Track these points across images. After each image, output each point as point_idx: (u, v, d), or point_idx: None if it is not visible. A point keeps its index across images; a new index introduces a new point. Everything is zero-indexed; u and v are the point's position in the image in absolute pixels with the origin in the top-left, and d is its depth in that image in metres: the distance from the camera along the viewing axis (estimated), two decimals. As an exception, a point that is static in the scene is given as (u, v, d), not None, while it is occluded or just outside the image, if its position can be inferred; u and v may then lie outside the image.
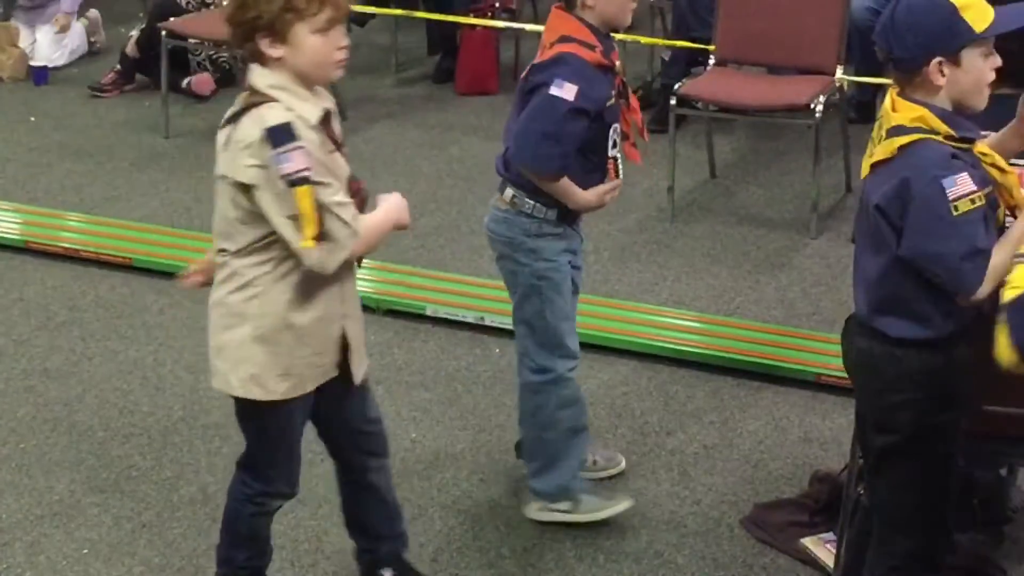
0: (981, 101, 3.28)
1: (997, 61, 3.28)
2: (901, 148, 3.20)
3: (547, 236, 4.13)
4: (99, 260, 6.14)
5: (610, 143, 4.11)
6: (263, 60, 3.38)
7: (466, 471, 4.65)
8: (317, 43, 3.36)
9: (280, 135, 3.29)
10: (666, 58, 7.68)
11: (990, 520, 4.18)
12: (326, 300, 3.59)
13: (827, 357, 5.11)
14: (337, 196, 3.39)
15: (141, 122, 7.85)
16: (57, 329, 5.61)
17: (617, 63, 4.09)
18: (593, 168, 4.11)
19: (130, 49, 8.27)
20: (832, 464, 4.51)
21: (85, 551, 4.31)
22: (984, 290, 3.18)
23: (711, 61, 6.81)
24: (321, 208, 3.33)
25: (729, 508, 4.44)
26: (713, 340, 5.40)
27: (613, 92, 4.06)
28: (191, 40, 7.81)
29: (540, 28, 8.14)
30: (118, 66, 8.35)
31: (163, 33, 7.67)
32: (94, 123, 7.91)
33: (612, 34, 4.11)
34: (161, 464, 4.73)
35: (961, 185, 3.14)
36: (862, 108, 7.27)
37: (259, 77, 3.38)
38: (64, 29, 8.77)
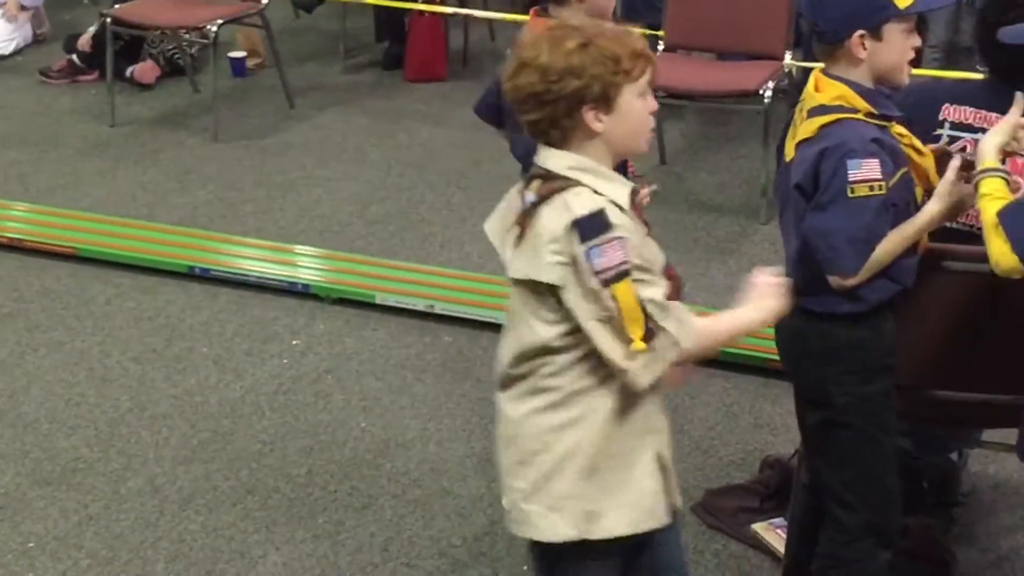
0: (902, 77, 3.32)
1: (917, 41, 3.31)
2: (822, 127, 3.22)
3: None
4: (44, 250, 6.07)
5: None
6: (569, 137, 2.86)
7: (416, 460, 4.63)
8: (639, 108, 2.86)
9: (592, 226, 2.79)
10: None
11: (941, 504, 4.19)
12: (652, 412, 3.03)
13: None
14: (658, 294, 2.85)
15: (86, 111, 7.78)
16: (1, 320, 5.54)
17: None
18: None
19: (83, 43, 8.18)
20: (782, 450, 4.51)
21: (31, 544, 4.26)
22: (859, 278, 3.21)
23: (660, 47, 6.80)
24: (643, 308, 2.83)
25: (680, 495, 4.43)
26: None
27: None
28: (137, 29, 7.73)
29: (489, 14, 8.20)
30: (72, 56, 8.26)
31: (107, 20, 7.60)
32: (39, 111, 7.83)
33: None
34: (108, 456, 4.68)
35: (866, 170, 3.16)
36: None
37: (556, 159, 2.87)
38: (13, 18, 8.68)
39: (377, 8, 8.35)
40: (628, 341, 2.82)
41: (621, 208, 2.84)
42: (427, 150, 7.14)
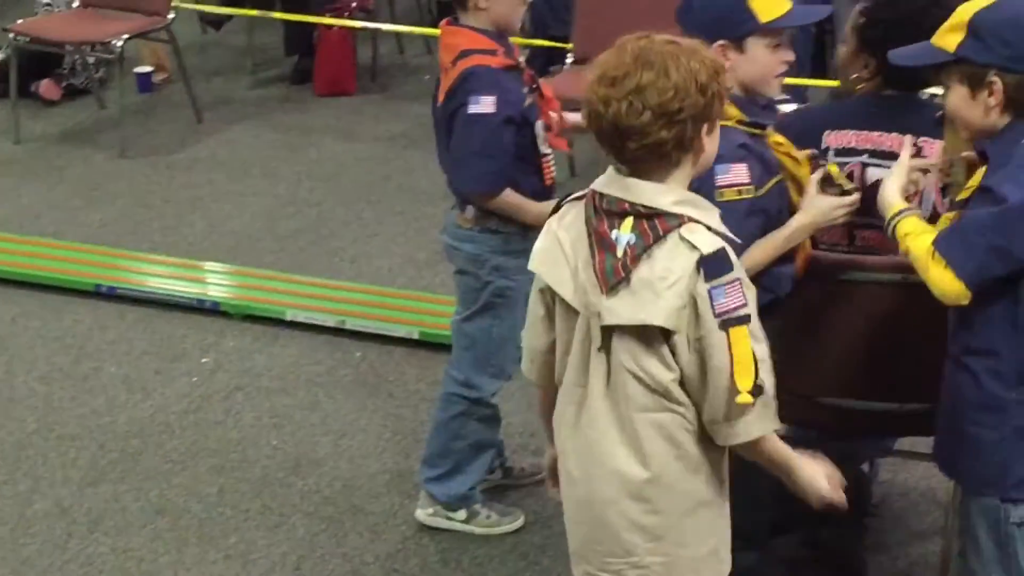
0: (770, 90, 3.40)
1: (788, 55, 3.36)
2: None
3: (514, 253, 3.99)
4: (-53, 269, 5.99)
5: (540, 140, 3.98)
6: (682, 161, 2.73)
7: (328, 477, 4.59)
8: (716, 133, 2.80)
9: (717, 265, 2.67)
10: (525, 57, 7.66)
11: (852, 515, 4.21)
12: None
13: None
14: (767, 355, 2.74)
15: (-10, 127, 7.68)
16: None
17: (521, 59, 4.01)
18: (531, 172, 3.99)
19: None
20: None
21: (-65, 570, 4.19)
22: None
23: (568, 60, 6.81)
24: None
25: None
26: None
27: (526, 89, 3.96)
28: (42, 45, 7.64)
29: (397, 28, 8.18)
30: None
31: (11, 35, 7.50)
32: (-59, 129, 7.72)
33: None
34: (14, 478, 4.61)
35: (733, 175, 3.21)
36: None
37: (658, 194, 2.71)
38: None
39: (286, 23, 8.31)
40: (735, 392, 2.70)
41: (731, 244, 2.74)
42: (336, 165, 7.11)
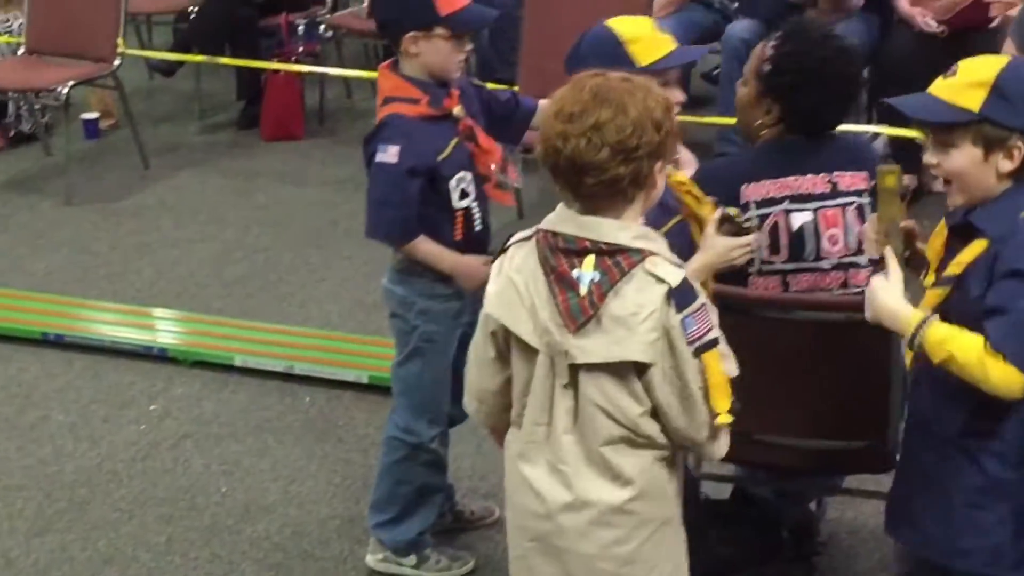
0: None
1: (678, 96, 3.36)
2: None
3: (440, 297, 4.00)
4: None
5: (455, 195, 3.93)
6: (635, 198, 2.79)
7: (278, 523, 4.57)
8: (667, 170, 2.89)
9: (685, 295, 2.74)
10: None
11: (800, 553, 4.23)
12: None
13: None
14: (735, 370, 2.85)
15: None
16: None
17: (456, 108, 3.93)
18: (446, 224, 3.96)
19: None
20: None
21: None
22: None
23: (516, 102, 6.83)
24: None
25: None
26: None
27: (453, 140, 3.92)
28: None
29: (345, 72, 8.19)
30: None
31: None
32: None
33: None
34: (-40, 529, 4.58)
35: None
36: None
37: (618, 231, 2.76)
38: None
39: (238, 68, 8.30)
40: (715, 415, 2.79)
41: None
42: (284, 209, 7.10)
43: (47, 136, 7.99)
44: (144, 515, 4.62)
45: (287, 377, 5.44)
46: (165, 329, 5.90)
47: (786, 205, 3.67)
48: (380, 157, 3.86)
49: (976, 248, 2.97)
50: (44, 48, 7.61)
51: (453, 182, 3.93)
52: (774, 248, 3.70)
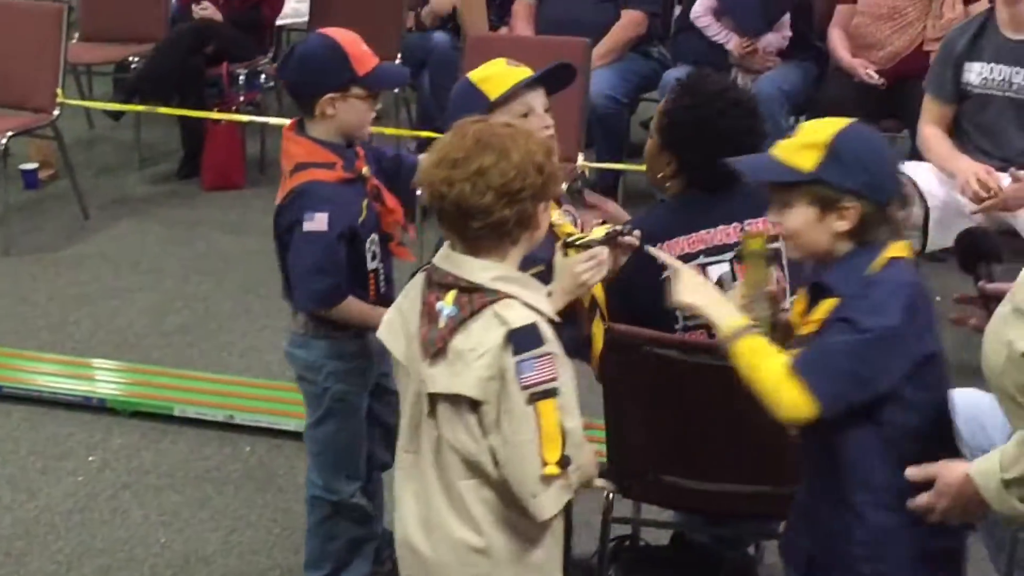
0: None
1: (546, 120, 3.45)
2: None
3: (347, 357, 3.97)
4: None
5: (368, 256, 3.92)
6: (518, 239, 2.87)
7: (218, 574, 4.55)
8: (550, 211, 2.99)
9: (526, 339, 2.78)
10: (411, 149, 7.73)
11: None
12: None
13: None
14: (578, 428, 2.88)
15: None
16: None
17: (364, 169, 3.93)
18: (355, 286, 3.92)
19: None
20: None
21: None
22: None
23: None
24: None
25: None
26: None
27: (364, 201, 3.91)
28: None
29: (285, 121, 8.19)
30: None
31: None
32: None
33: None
34: (-102, 584, 4.53)
35: None
36: (605, 191, 7.41)
37: (480, 271, 2.84)
38: None
39: (181, 118, 8.28)
40: (543, 464, 2.79)
41: (550, 321, 2.85)
42: (225, 258, 7.10)
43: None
44: (82, 567, 4.59)
45: (227, 427, 5.42)
46: (104, 379, 5.87)
47: (701, 259, 3.68)
48: (308, 226, 3.77)
49: (828, 305, 2.99)
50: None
51: (367, 243, 3.91)
52: None
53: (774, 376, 2.94)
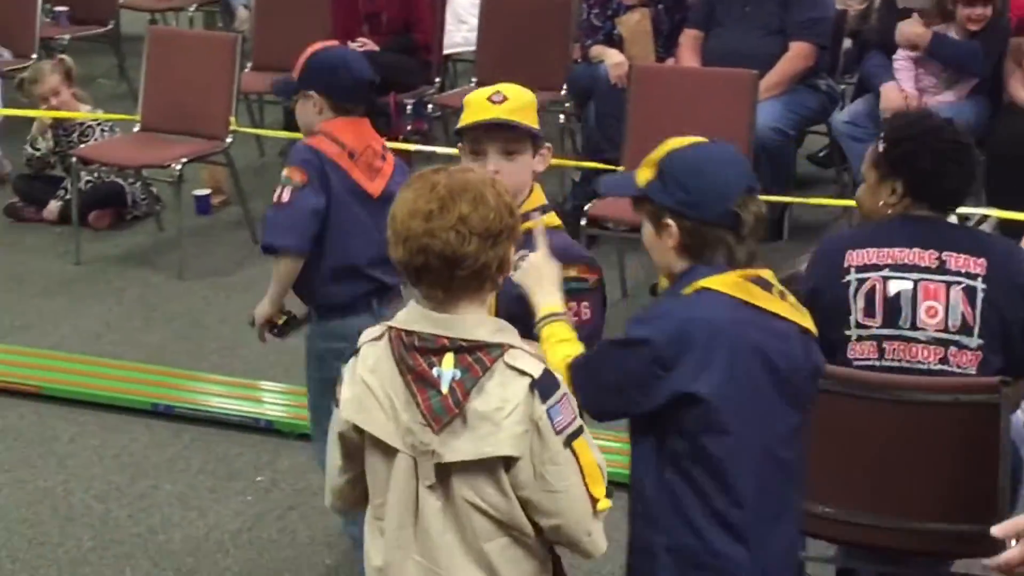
0: None
1: (489, 166, 3.41)
2: None
3: None
4: (8, 388, 6.04)
5: None
6: (495, 283, 2.86)
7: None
8: None
9: (548, 386, 2.76)
10: (576, 179, 7.76)
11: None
12: None
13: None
14: (597, 450, 2.86)
15: (51, 249, 7.77)
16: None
17: None
18: None
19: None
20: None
21: None
22: None
23: (621, 182, 6.87)
24: None
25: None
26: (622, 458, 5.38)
27: None
28: (99, 165, 7.80)
29: (452, 150, 8.26)
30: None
31: (73, 161, 7.68)
32: (3, 250, 7.82)
33: None
34: (70, 596, 4.65)
35: None
36: (771, 225, 7.36)
37: (477, 327, 2.78)
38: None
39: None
40: (595, 502, 2.79)
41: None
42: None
43: (160, 212, 8.13)
44: (250, 585, 4.67)
45: (392, 451, 5.47)
46: (272, 402, 5.97)
47: (886, 272, 3.76)
48: None
49: None
50: (158, 126, 7.77)
51: None
52: (869, 312, 3.76)
53: (555, 366, 2.95)
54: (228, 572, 4.75)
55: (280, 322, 4.51)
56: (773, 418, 3.01)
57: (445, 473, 2.78)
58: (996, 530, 2.88)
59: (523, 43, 8.26)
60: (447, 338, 2.75)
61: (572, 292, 3.37)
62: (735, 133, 6.70)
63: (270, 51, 8.85)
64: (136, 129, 7.89)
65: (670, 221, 3.00)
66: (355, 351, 2.87)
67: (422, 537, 2.82)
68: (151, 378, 6.14)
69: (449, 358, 2.74)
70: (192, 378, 6.14)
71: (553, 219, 3.58)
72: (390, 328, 2.81)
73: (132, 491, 5.26)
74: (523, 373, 2.74)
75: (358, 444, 2.87)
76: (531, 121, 3.51)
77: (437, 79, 8.66)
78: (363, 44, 8.33)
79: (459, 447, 2.75)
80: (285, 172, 4.39)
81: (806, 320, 3.08)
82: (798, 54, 7.43)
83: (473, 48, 8.76)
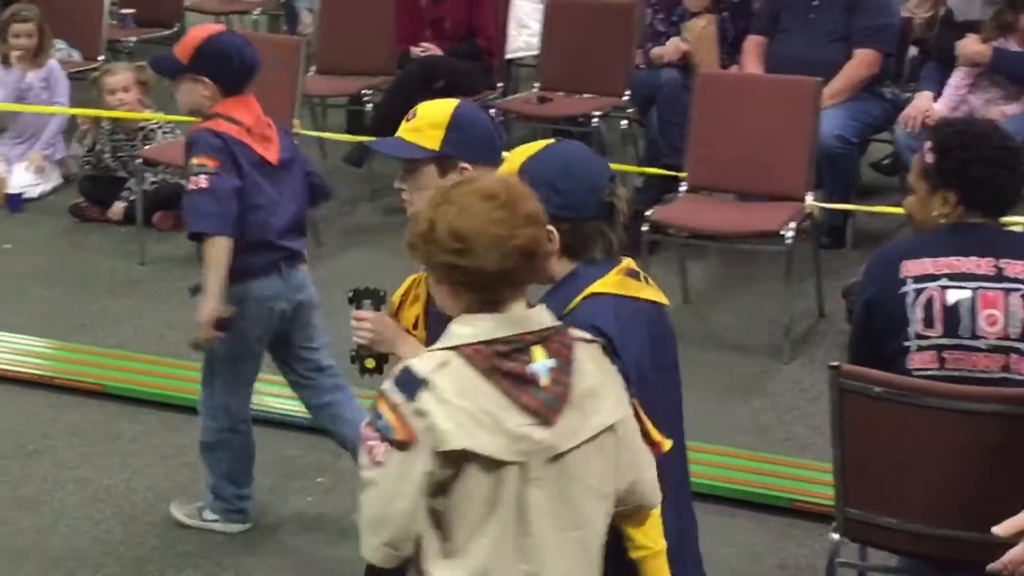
0: None
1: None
2: None
3: None
4: (72, 387, 6.11)
5: None
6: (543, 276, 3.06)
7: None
8: None
9: (612, 341, 2.97)
10: (639, 185, 7.76)
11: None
12: None
13: (801, 483, 5.12)
14: None
15: (116, 249, 7.85)
16: (29, 457, 5.57)
17: None
18: None
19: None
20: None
21: None
22: None
23: (683, 188, 6.88)
24: None
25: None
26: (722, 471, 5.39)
27: None
28: (164, 166, 7.87)
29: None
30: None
31: (138, 162, 7.75)
32: (69, 250, 7.92)
33: None
34: (133, 593, 4.69)
35: None
36: (833, 233, 7.36)
37: (543, 314, 2.85)
38: (40, 170, 8.75)
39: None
40: (659, 448, 2.99)
41: None
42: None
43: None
44: (310, 585, 4.70)
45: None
46: (334, 403, 5.97)
47: (943, 282, 3.75)
48: None
49: None
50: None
51: None
52: (928, 322, 3.74)
53: None
54: (288, 572, 4.77)
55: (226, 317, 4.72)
56: (674, 399, 3.23)
57: (556, 464, 2.79)
58: (998, 529, 2.90)
59: (586, 48, 8.27)
60: (528, 333, 2.78)
61: None
62: (798, 140, 6.71)
63: (335, 55, 8.92)
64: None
65: (550, 228, 2.96)
66: (420, 383, 2.73)
67: (527, 544, 2.79)
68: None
69: (539, 351, 2.77)
70: (258, 380, 6.15)
71: None
72: (458, 348, 2.76)
73: (194, 490, 5.29)
74: (592, 340, 2.85)
75: (449, 477, 2.75)
76: (427, 140, 3.57)
77: (499, 84, 8.68)
78: (426, 49, 8.37)
79: (573, 431, 2.79)
80: (194, 160, 4.62)
81: (663, 296, 3.22)
82: (862, 61, 7.41)
83: (534, 53, 8.79)
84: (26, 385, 6.18)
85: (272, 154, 4.75)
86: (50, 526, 5.08)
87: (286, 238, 4.79)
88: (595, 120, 8.10)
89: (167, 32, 10.23)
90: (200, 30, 4.89)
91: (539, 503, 2.78)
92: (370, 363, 3.76)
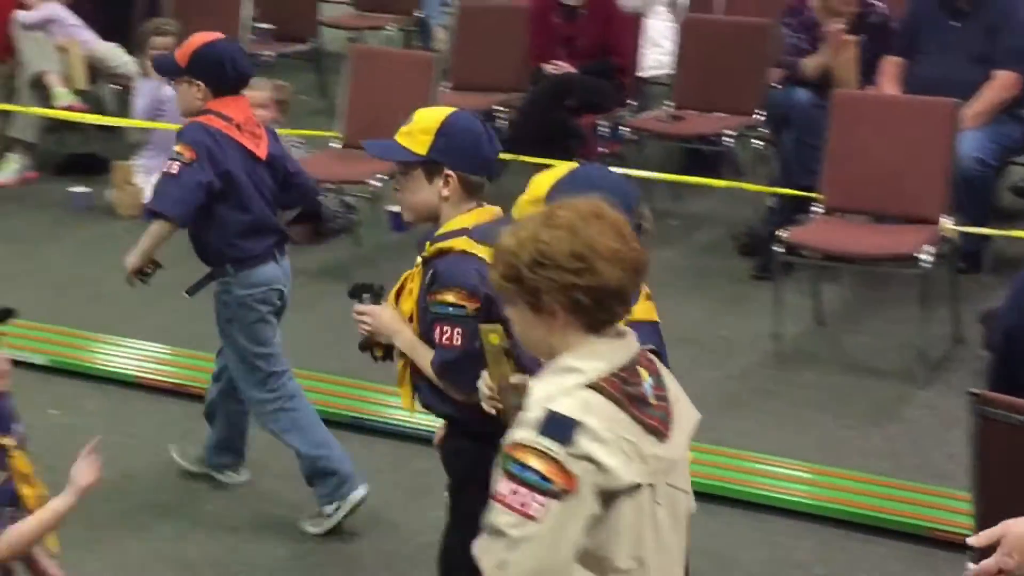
0: None
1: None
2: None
3: None
4: (198, 394, 6.16)
5: None
6: None
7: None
8: None
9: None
10: (772, 205, 7.71)
11: None
12: None
13: (937, 511, 5.06)
14: None
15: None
16: (167, 465, 5.64)
17: None
18: None
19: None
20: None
21: None
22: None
23: (817, 209, 6.83)
24: None
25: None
26: (820, 490, 5.36)
27: None
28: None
29: (643, 174, 8.28)
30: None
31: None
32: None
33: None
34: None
35: None
36: (970, 258, 7.24)
37: (631, 335, 2.93)
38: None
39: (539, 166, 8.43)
40: None
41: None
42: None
43: (357, 228, 8.23)
44: None
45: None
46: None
47: None
48: None
49: None
50: (358, 143, 7.86)
51: None
52: None
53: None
54: (418, 586, 4.80)
55: (150, 271, 5.30)
56: None
57: (668, 477, 2.86)
58: (972, 540, 2.91)
59: (719, 67, 8.25)
60: (631, 356, 2.83)
61: (445, 316, 3.68)
62: (935, 162, 6.64)
63: (468, 70, 8.97)
64: (335, 145, 8.02)
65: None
66: (573, 426, 2.71)
67: (664, 561, 2.85)
68: (344, 390, 6.23)
69: (643, 372, 2.83)
70: (385, 392, 6.19)
71: (464, 243, 3.78)
72: (597, 384, 2.75)
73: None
74: (654, 351, 2.95)
75: (603, 514, 2.75)
76: (417, 145, 3.75)
77: (632, 102, 8.67)
78: (558, 67, 8.40)
79: (676, 442, 2.86)
80: (176, 148, 5.03)
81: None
82: (1003, 83, 7.31)
83: (667, 71, 8.77)
84: (164, 394, 6.28)
85: (261, 150, 5.15)
86: (187, 533, 5.14)
87: (273, 224, 5.25)
88: (728, 139, 8.07)
89: (303, 47, 10.35)
90: (200, 37, 5.17)
91: (664, 517, 2.83)
92: (379, 351, 4.04)
